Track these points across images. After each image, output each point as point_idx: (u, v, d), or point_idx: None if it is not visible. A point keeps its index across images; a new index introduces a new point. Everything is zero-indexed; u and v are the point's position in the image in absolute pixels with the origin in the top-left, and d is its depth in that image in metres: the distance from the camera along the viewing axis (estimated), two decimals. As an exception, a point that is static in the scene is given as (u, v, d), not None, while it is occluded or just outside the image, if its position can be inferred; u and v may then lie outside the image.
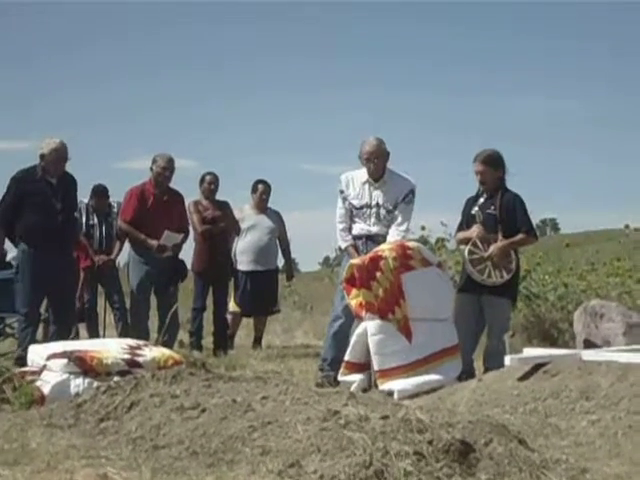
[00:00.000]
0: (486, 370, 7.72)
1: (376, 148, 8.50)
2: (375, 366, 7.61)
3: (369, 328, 7.66)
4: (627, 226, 15.05)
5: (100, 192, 11.12)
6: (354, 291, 7.79)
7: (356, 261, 7.88)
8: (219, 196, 11.37)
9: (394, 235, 8.37)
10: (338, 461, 4.49)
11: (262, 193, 11.73)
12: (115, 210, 11.03)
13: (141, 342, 7.61)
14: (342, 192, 8.59)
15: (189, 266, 10.98)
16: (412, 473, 4.41)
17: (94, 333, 10.82)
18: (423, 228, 12.32)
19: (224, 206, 11.31)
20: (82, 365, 6.81)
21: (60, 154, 8.92)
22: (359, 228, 8.52)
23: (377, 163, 8.48)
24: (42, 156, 8.90)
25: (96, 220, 11.06)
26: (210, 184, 11.25)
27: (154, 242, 9.98)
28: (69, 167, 9.18)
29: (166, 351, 7.42)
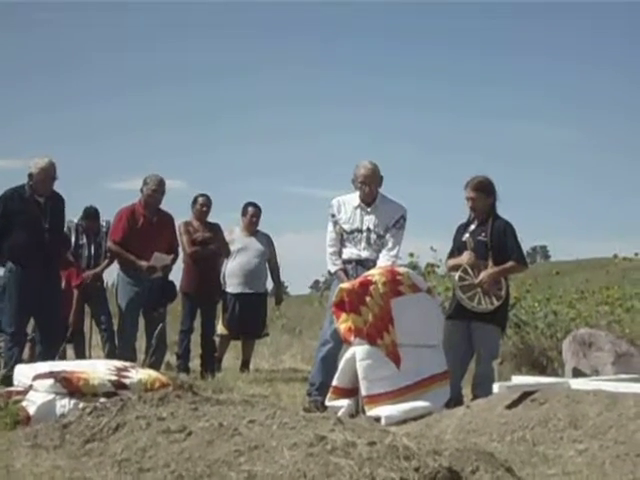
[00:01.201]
0: (474, 397, 7.70)
1: (371, 172, 8.52)
2: (363, 392, 7.58)
3: (357, 353, 7.64)
4: (616, 256, 15.10)
5: (91, 214, 11.11)
6: (343, 315, 7.77)
7: (346, 285, 7.87)
8: (210, 218, 11.36)
9: (384, 260, 8.37)
10: (324, 487, 4.46)
11: (252, 216, 11.71)
12: (104, 230, 11.02)
13: (128, 364, 7.57)
14: (333, 216, 8.59)
15: (178, 287, 10.94)
16: (398, 500, 4.39)
17: (81, 354, 10.77)
18: (412, 255, 12.31)
19: (215, 228, 11.30)
20: (68, 386, 6.77)
21: (48, 173, 8.91)
22: (349, 252, 8.52)
23: (372, 187, 8.50)
24: (30, 175, 8.89)
25: (85, 240, 11.05)
26: (202, 206, 11.24)
27: (143, 263, 9.96)
28: (59, 187, 9.19)
29: (153, 373, 7.38)
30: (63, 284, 10.28)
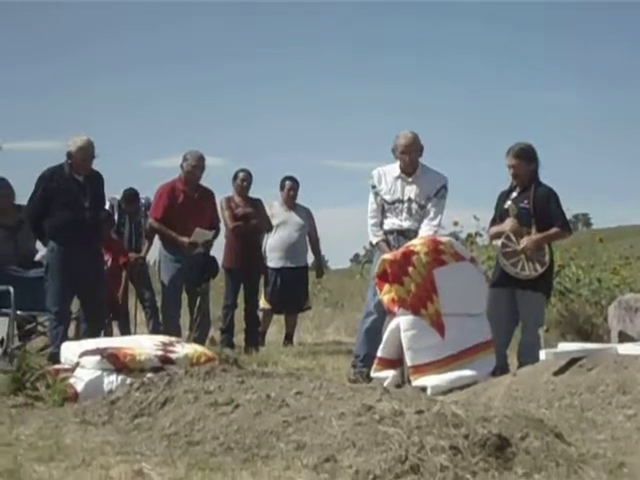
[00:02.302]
0: (520, 365, 7.65)
1: (412, 141, 8.47)
2: (408, 362, 7.56)
3: (402, 324, 7.62)
4: (660, 220, 14.92)
5: (131, 196, 11.14)
6: (386, 286, 7.75)
7: (388, 256, 7.84)
8: (251, 193, 11.35)
9: (426, 230, 8.33)
10: (373, 456, 4.47)
11: (290, 189, 11.70)
12: (144, 208, 11.05)
13: (173, 339, 7.63)
14: (374, 187, 8.55)
15: (220, 263, 10.96)
16: (448, 467, 4.38)
17: (126, 332, 10.83)
18: (456, 224, 12.26)
19: (257, 203, 11.28)
20: (115, 362, 6.82)
21: (87, 151, 8.92)
22: (391, 223, 8.48)
23: (412, 156, 8.45)
24: (69, 154, 8.90)
25: (126, 218, 11.09)
26: (243, 181, 11.22)
27: (185, 239, 9.97)
28: (99, 166, 9.20)
29: (199, 348, 7.42)
30: (110, 262, 10.35)
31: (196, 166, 10.19)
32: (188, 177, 10.20)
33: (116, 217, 10.97)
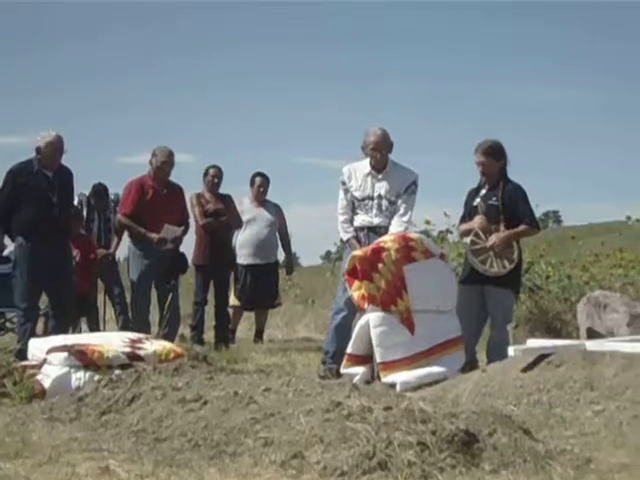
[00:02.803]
0: (489, 361, 7.67)
1: (382, 138, 8.47)
2: (377, 358, 7.57)
3: (371, 320, 7.62)
4: (629, 217, 14.99)
5: (100, 192, 11.13)
6: (356, 283, 7.75)
7: (358, 253, 7.84)
8: (221, 190, 11.32)
9: (396, 226, 8.34)
10: (341, 452, 4.47)
11: (259, 186, 11.67)
12: (113, 204, 11.01)
13: (142, 335, 7.60)
14: (344, 184, 8.55)
15: (190, 260, 10.93)
16: (415, 464, 4.39)
17: (95, 328, 10.78)
18: (428, 222, 12.28)
19: (227, 200, 11.27)
20: (83, 358, 6.79)
21: (56, 147, 8.88)
22: (361, 220, 8.48)
23: (383, 153, 8.45)
24: (38, 149, 8.86)
25: (95, 214, 11.06)
26: (213, 177, 11.21)
27: (154, 235, 9.93)
28: (69, 162, 9.15)
29: (167, 344, 7.40)
30: (78, 257, 10.30)
31: (165, 162, 10.14)
32: (157, 173, 10.16)
33: (85, 213, 10.94)
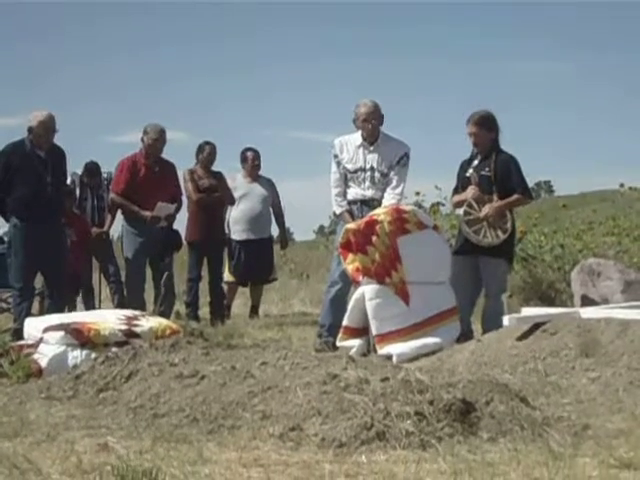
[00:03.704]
0: (485, 331, 7.70)
1: (373, 109, 8.45)
2: (373, 330, 7.58)
3: (366, 293, 7.63)
4: (622, 185, 14.99)
5: (92, 170, 11.10)
6: (350, 256, 7.75)
7: (352, 226, 7.84)
8: (213, 167, 11.31)
9: (389, 199, 8.32)
10: (339, 423, 4.49)
11: (253, 160, 11.65)
12: (106, 182, 10.99)
13: (138, 312, 7.60)
14: (336, 156, 8.53)
15: (183, 236, 10.92)
16: (413, 433, 4.41)
17: (90, 307, 10.79)
18: (417, 194, 12.27)
19: (219, 176, 11.25)
20: (79, 337, 6.80)
21: (48, 126, 8.84)
22: (354, 193, 8.46)
23: (374, 124, 8.43)
24: (30, 129, 8.83)
25: (88, 193, 11.04)
26: (209, 154, 11.18)
27: (147, 213, 9.91)
28: (61, 142, 9.13)
29: (163, 321, 7.41)
30: (74, 236, 10.28)
31: (157, 139, 10.11)
32: (149, 150, 10.13)
33: (78, 192, 10.92)
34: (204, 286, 11.29)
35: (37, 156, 8.84)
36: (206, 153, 11.17)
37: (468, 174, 8.30)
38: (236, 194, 11.40)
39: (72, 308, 10.04)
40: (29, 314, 8.55)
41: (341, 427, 4.44)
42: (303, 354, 5.81)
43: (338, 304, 8.28)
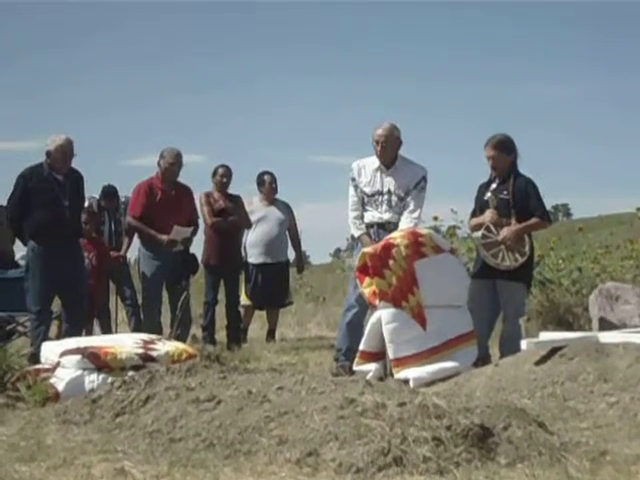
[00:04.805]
0: (502, 355, 7.67)
1: (388, 132, 8.44)
2: (390, 355, 7.57)
3: (383, 317, 7.61)
4: (639, 209, 14.86)
5: (110, 193, 11.14)
6: (367, 280, 7.75)
7: (369, 249, 7.83)
8: (231, 190, 11.33)
9: (406, 222, 8.31)
10: (356, 449, 4.47)
11: (271, 183, 11.67)
12: (123, 206, 11.02)
13: (154, 336, 7.61)
14: (354, 180, 8.53)
15: (200, 260, 10.93)
16: (431, 459, 4.39)
17: (107, 330, 10.79)
18: (436, 219, 12.24)
19: (236, 200, 11.26)
20: (96, 361, 6.80)
21: (66, 150, 8.88)
22: (370, 216, 8.45)
23: (386, 147, 8.42)
24: (48, 153, 8.86)
25: (106, 217, 11.07)
26: (222, 177, 11.20)
27: (164, 237, 9.94)
28: (78, 165, 9.16)
29: (180, 345, 7.40)
30: (95, 261, 10.31)
31: (174, 163, 10.15)
32: (166, 174, 10.16)
33: (95, 216, 10.94)
34: (221, 310, 11.29)
35: (55, 180, 8.87)
36: (219, 176, 11.19)
37: (486, 197, 8.28)
38: (253, 217, 11.41)
39: (89, 332, 10.04)
40: (46, 338, 8.56)
41: (358, 452, 4.41)
42: (320, 378, 5.79)
43: (355, 328, 8.26)
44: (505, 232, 8.03)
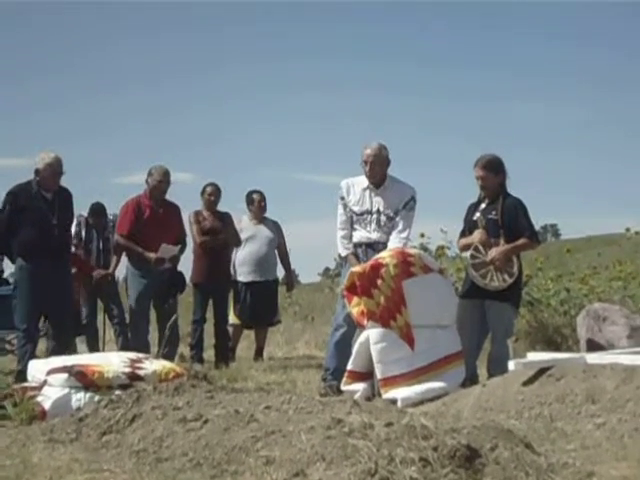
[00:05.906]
0: (490, 376, 7.67)
1: (376, 152, 8.45)
2: (378, 375, 7.56)
3: (371, 336, 7.61)
4: (628, 229, 14.89)
5: (98, 211, 11.11)
6: (355, 299, 7.75)
7: (357, 269, 7.83)
8: (220, 208, 11.32)
9: (395, 242, 8.32)
10: (343, 469, 4.44)
11: (259, 202, 11.67)
12: (111, 224, 11.01)
13: (142, 355, 7.58)
14: (343, 198, 8.54)
15: (188, 278, 10.92)
16: (418, 479, 4.36)
17: (94, 348, 10.76)
18: (422, 235, 12.25)
19: (225, 217, 11.26)
20: (83, 379, 6.77)
21: (55, 168, 8.89)
22: (359, 235, 8.46)
23: (375, 167, 8.42)
24: (37, 171, 8.87)
25: (94, 235, 11.05)
26: (210, 195, 11.21)
27: (152, 255, 9.93)
28: (66, 182, 9.16)
29: (167, 364, 7.38)
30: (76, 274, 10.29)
31: (162, 181, 10.16)
32: (153, 192, 10.17)
33: (84, 234, 10.92)
34: (209, 328, 11.27)
35: (43, 198, 8.88)
36: (207, 194, 11.20)
37: (475, 217, 8.30)
38: (242, 236, 11.41)
39: (72, 350, 10.01)
40: (33, 356, 8.53)
41: (345, 473, 4.39)
42: (307, 398, 5.77)
43: (343, 347, 8.25)
44: (493, 252, 8.04)
